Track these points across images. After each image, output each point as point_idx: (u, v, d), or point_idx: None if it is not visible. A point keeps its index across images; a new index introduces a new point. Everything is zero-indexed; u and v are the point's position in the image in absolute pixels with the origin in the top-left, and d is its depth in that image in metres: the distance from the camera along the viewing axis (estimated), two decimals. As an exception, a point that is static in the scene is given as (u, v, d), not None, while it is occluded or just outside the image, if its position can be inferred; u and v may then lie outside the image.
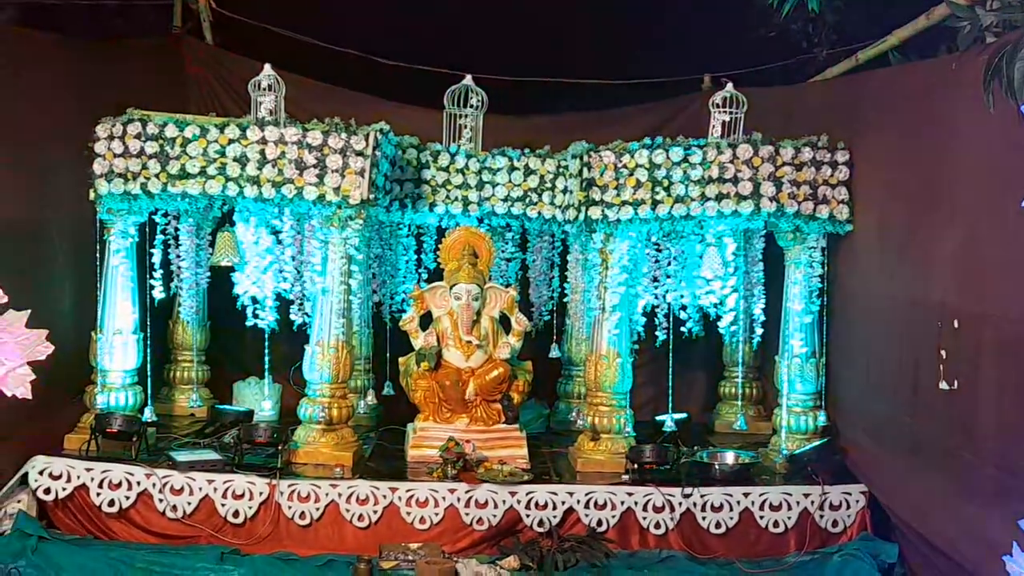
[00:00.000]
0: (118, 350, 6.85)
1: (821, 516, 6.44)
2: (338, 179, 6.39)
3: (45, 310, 6.55)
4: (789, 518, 6.45)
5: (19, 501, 6.25)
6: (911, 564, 5.98)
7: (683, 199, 6.58)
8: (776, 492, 6.50)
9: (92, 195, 6.63)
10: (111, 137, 6.53)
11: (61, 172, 6.77)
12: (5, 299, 3.04)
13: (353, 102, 8.23)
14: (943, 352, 5.08)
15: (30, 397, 3.20)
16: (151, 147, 6.48)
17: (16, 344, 2.99)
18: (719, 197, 6.57)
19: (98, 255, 6.84)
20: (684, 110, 8.77)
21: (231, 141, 6.44)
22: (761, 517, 6.44)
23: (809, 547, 6.38)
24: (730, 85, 6.96)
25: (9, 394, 3.17)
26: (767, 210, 6.58)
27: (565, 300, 8.26)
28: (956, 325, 4.98)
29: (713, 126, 6.93)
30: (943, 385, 5.05)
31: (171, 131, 6.48)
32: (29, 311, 3.17)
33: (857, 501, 6.47)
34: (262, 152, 6.43)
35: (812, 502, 6.45)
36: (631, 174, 6.59)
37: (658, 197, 6.59)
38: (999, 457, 4.69)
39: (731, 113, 6.90)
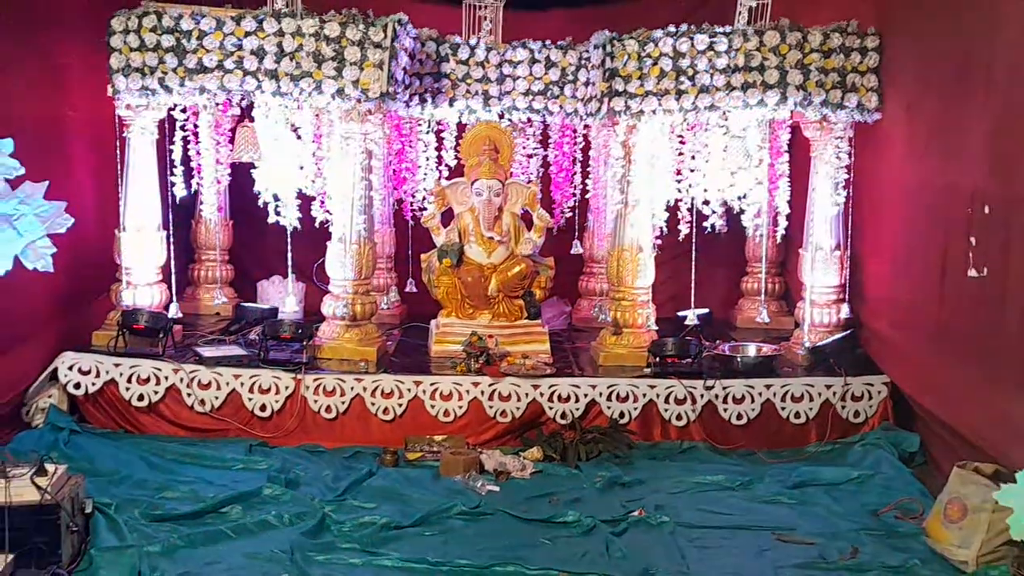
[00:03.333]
0: (141, 247, 6.86)
1: (843, 407, 6.47)
2: (357, 72, 6.28)
3: (68, 208, 6.59)
4: (811, 409, 6.48)
5: (50, 396, 6.38)
6: (932, 453, 6.02)
7: (708, 89, 6.45)
8: (798, 384, 6.52)
9: (110, 91, 6.56)
10: (127, 31, 6.42)
11: (77, 68, 6.69)
12: (23, 170, 3.01)
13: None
14: (973, 239, 5.00)
15: (51, 270, 3.18)
16: (167, 40, 6.38)
17: (35, 216, 2.97)
18: (745, 86, 6.42)
19: (118, 152, 6.81)
20: (708, 2, 8.52)
21: (247, 34, 6.33)
22: (783, 408, 6.48)
23: (830, 438, 6.44)
24: (758, -31, 6.75)
25: (31, 267, 3.16)
26: (794, 99, 6.44)
27: (587, 196, 8.19)
28: (987, 211, 4.89)
29: (740, 13, 6.73)
30: (972, 273, 4.99)
31: (187, 23, 6.37)
32: (48, 182, 3.13)
33: (879, 392, 6.49)
34: (279, 45, 6.32)
35: (834, 393, 6.48)
36: (655, 63, 6.44)
37: (682, 87, 6.46)
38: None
39: (758, -1, 6.70)
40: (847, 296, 7.03)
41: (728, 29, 6.51)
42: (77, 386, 6.43)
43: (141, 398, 6.41)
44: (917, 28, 6.15)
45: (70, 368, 6.45)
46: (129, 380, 6.42)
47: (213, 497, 5.28)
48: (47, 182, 3.11)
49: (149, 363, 6.46)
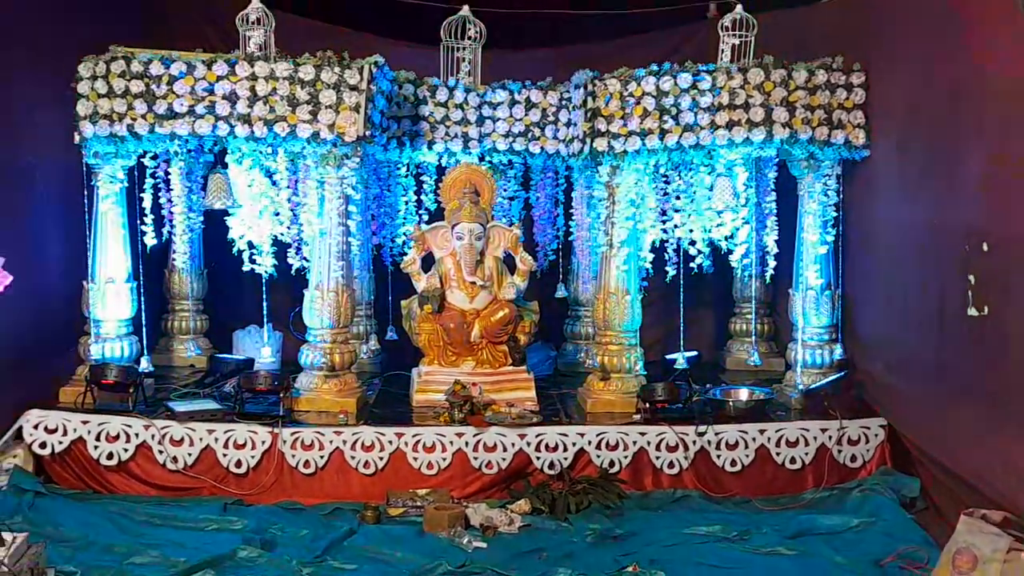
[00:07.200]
0: (111, 299, 6.64)
1: (839, 451, 6.30)
2: (332, 115, 6.14)
3: (33, 260, 6.39)
4: (806, 454, 6.30)
5: (15, 456, 6.11)
6: (933, 497, 5.83)
7: (692, 127, 6.32)
8: (792, 428, 6.34)
9: (77, 138, 6.37)
10: (94, 77, 6.25)
11: (44, 115, 6.49)
12: None
13: (346, 40, 7.89)
14: (971, 277, 4.85)
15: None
16: (136, 86, 6.20)
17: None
18: (730, 124, 6.30)
19: (86, 201, 6.60)
20: (690, 39, 8.47)
21: (220, 78, 6.17)
22: (777, 454, 6.30)
23: (827, 483, 6.26)
24: (739, 7, 6.65)
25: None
26: (780, 137, 6.32)
27: (570, 239, 8.04)
28: (985, 248, 4.74)
29: (722, 51, 6.64)
30: (972, 311, 4.83)
31: (156, 68, 6.20)
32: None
33: (876, 435, 6.32)
34: (252, 89, 6.17)
35: (830, 437, 6.30)
36: (638, 102, 6.32)
37: (666, 126, 6.32)
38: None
39: (741, 36, 6.60)
40: (840, 336, 6.87)
41: (711, 67, 6.39)
42: (43, 445, 6.17)
43: (110, 456, 6.15)
44: (903, 63, 6.05)
45: (35, 426, 6.20)
46: (98, 438, 6.17)
47: (185, 562, 5.01)
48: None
49: (119, 419, 6.21)
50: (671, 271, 6.97)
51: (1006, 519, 4.54)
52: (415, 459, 6.19)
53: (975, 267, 4.83)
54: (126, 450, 6.16)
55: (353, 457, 6.17)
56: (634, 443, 6.27)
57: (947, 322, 5.34)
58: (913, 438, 6.02)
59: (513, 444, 6.22)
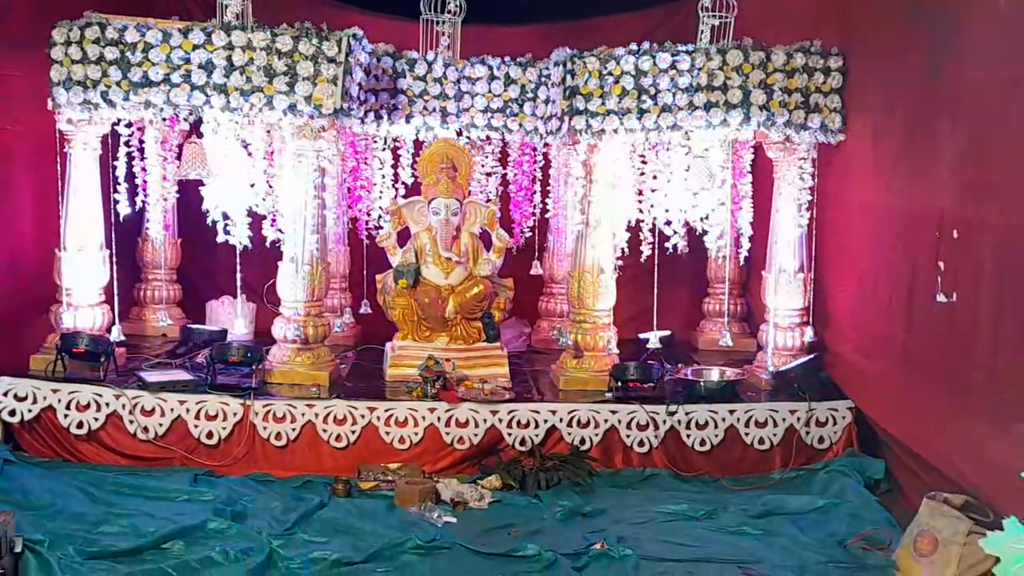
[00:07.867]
0: (83, 268, 6.59)
1: (807, 432, 6.37)
2: (309, 87, 6.10)
3: (4, 227, 6.32)
4: (775, 435, 6.36)
5: (-17, 424, 6.07)
6: (898, 480, 5.92)
7: (670, 108, 6.31)
8: (762, 409, 6.40)
9: (50, 104, 6.29)
10: (68, 42, 6.16)
11: (17, 80, 6.41)
12: None
13: (324, 11, 7.82)
14: (941, 264, 4.91)
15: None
16: (111, 53, 6.13)
17: None
18: (708, 106, 6.29)
19: (59, 168, 6.53)
20: (671, 19, 8.47)
21: (196, 47, 6.11)
22: (746, 434, 6.36)
23: (795, 464, 6.33)
24: (720, -13, 6.65)
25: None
26: (757, 119, 6.32)
27: (547, 216, 8.04)
28: (955, 235, 4.79)
29: (702, 32, 6.63)
30: (941, 298, 4.89)
31: (132, 36, 6.13)
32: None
33: (844, 417, 6.39)
34: (229, 59, 6.11)
35: (798, 419, 6.37)
36: (616, 81, 6.31)
37: (644, 106, 6.32)
38: (999, 370, 4.55)
39: (721, 17, 6.60)
40: (811, 319, 6.93)
41: (691, 47, 6.38)
42: (12, 413, 6.14)
43: (80, 425, 6.13)
44: (881, 49, 6.06)
45: (5, 394, 6.17)
46: (68, 406, 6.14)
47: (154, 532, 5.00)
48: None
49: (89, 388, 6.19)
50: (646, 251, 6.99)
51: (967, 502, 4.62)
52: (387, 433, 6.21)
53: (945, 254, 4.88)
54: (96, 419, 6.14)
55: (325, 430, 6.18)
56: (605, 421, 6.31)
57: (916, 307, 5.40)
58: (879, 421, 6.10)
59: (485, 420, 6.25)
